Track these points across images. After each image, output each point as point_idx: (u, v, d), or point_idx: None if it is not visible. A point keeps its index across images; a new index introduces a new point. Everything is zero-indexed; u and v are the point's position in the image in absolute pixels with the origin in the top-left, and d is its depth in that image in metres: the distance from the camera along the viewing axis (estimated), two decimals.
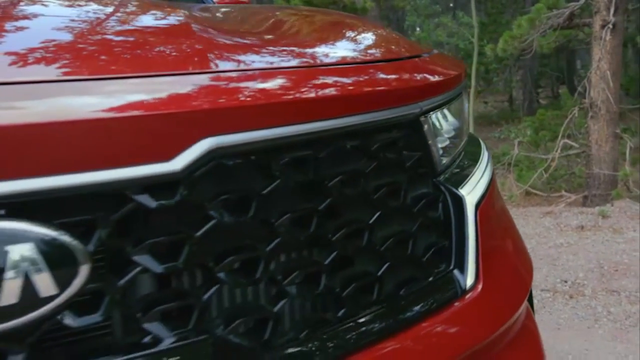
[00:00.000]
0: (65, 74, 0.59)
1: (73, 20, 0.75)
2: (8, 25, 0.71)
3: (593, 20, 5.41)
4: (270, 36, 0.87)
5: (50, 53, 0.63)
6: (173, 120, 0.61)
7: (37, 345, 0.57)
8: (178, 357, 0.61)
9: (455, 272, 0.88)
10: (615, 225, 4.58)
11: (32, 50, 0.62)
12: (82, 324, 0.59)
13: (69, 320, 0.58)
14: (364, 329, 0.75)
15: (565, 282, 3.53)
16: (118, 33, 0.73)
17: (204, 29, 0.78)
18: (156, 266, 0.62)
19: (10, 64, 0.59)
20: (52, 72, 0.59)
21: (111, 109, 0.59)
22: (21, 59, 0.61)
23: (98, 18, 0.77)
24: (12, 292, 0.53)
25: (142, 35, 0.74)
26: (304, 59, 0.77)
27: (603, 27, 5.20)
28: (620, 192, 5.12)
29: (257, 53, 0.75)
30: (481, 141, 1.21)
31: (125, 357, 0.60)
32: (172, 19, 0.82)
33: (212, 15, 0.95)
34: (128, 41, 0.70)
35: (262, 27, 0.90)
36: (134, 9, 0.85)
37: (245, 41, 0.80)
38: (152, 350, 0.61)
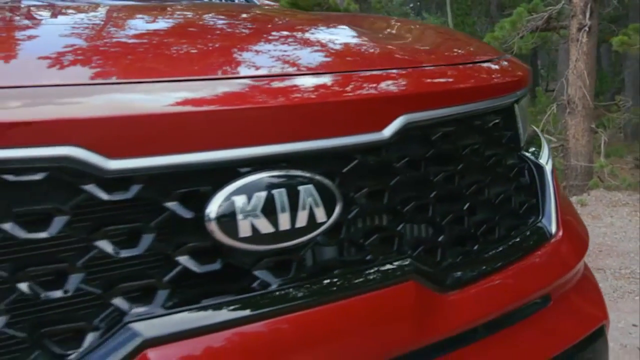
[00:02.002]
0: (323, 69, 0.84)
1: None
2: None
3: (570, 23, 5.82)
4: (421, 43, 1.13)
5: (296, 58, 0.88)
6: (386, 102, 0.87)
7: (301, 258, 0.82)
8: (392, 268, 0.86)
9: (544, 221, 1.15)
10: (594, 212, 4.96)
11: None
12: (329, 244, 0.84)
13: (324, 241, 0.82)
14: (493, 259, 1.01)
15: None
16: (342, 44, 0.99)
17: (377, 38, 1.03)
18: (370, 206, 0.88)
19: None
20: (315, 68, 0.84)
21: (350, 93, 0.84)
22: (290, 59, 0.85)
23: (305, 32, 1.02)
24: (302, 218, 0.78)
25: (359, 44, 1.00)
26: (451, 59, 1.03)
27: (580, 29, 5.62)
28: (596, 183, 5.52)
29: (422, 55, 1.00)
30: (537, 129, 1.48)
31: (354, 269, 0.84)
32: (354, 31, 1.07)
33: (373, 28, 1.21)
34: (351, 48, 0.95)
35: (408, 38, 1.16)
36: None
37: (411, 46, 1.06)
38: (373, 264, 0.86)
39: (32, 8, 1.12)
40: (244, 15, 1.11)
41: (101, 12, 1.08)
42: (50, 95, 0.67)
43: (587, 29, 5.55)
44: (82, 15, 1.06)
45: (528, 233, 1.11)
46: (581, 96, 5.70)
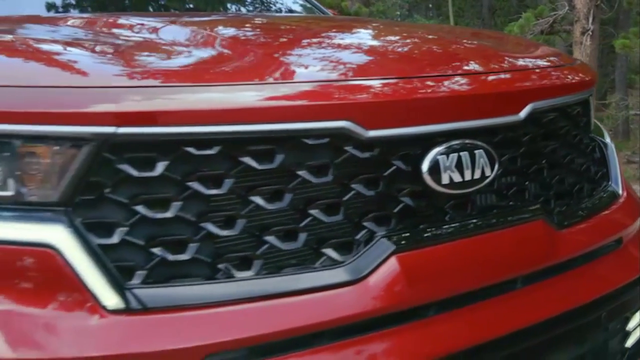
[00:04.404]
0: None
1: None
2: None
3: (574, 27, 6.26)
4: (530, 52, 1.50)
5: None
6: (523, 93, 1.23)
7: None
8: (527, 211, 1.22)
9: (613, 185, 1.52)
10: None
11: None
12: (487, 192, 1.19)
13: (485, 190, 1.18)
14: (585, 210, 1.38)
15: None
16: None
17: (502, 48, 1.40)
18: (509, 167, 1.23)
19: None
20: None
21: (503, 87, 1.20)
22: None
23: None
24: (477, 172, 1.13)
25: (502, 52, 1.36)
26: (553, 63, 1.40)
27: (583, 33, 6.05)
28: None
29: (537, 60, 1.37)
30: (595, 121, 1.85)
31: (504, 210, 1.20)
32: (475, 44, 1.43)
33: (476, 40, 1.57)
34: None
35: (520, 49, 1.53)
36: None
37: (526, 54, 1.43)
38: (515, 207, 1.22)
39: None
40: (401, 29, 1.48)
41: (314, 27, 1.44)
42: (333, 87, 1.03)
43: (590, 33, 5.99)
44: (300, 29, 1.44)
45: (604, 193, 1.47)
46: None
